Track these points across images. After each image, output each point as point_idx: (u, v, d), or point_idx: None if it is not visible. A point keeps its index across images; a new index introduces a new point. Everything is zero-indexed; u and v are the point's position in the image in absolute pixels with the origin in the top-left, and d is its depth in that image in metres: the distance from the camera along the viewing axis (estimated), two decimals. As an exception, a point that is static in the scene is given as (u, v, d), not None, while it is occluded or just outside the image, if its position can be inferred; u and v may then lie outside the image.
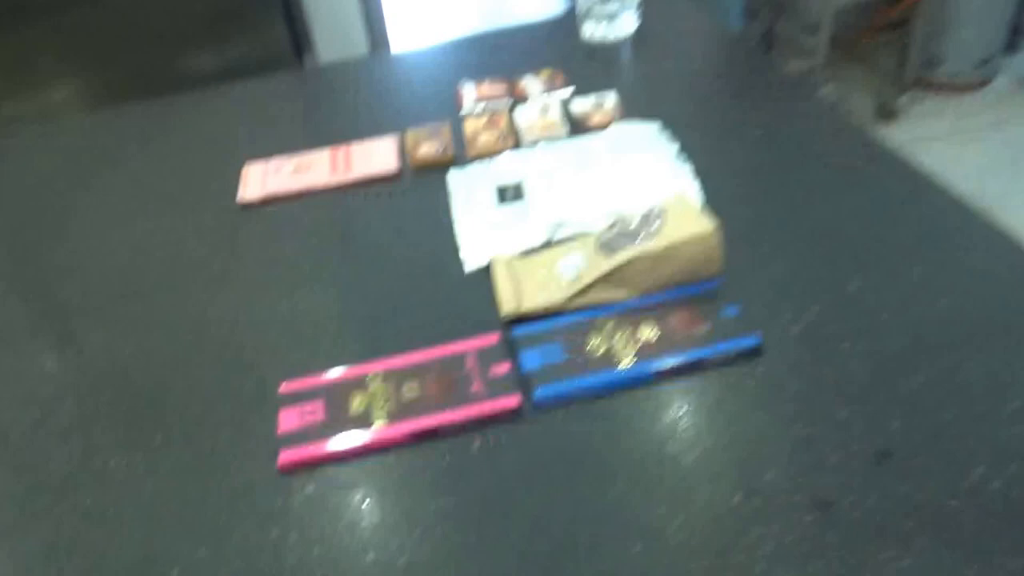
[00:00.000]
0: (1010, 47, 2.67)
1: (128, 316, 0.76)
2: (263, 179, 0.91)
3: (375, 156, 0.92)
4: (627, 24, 1.09)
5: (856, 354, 0.61)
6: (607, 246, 0.70)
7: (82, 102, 1.66)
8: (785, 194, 0.80)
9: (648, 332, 0.65)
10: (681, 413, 0.59)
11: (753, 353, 0.62)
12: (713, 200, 0.77)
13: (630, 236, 0.69)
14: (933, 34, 2.50)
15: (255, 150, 0.96)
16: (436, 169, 0.89)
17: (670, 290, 0.68)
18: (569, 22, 1.13)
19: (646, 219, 0.70)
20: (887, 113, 2.49)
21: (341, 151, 0.94)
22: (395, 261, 0.78)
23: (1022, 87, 2.59)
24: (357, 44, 2.63)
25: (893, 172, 0.80)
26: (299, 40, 1.73)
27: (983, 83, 2.59)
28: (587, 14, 1.09)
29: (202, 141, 1.04)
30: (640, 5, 1.09)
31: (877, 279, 0.67)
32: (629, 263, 0.67)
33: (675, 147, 0.84)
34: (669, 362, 0.62)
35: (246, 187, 0.90)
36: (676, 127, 0.88)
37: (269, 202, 0.89)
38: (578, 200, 0.78)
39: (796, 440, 0.56)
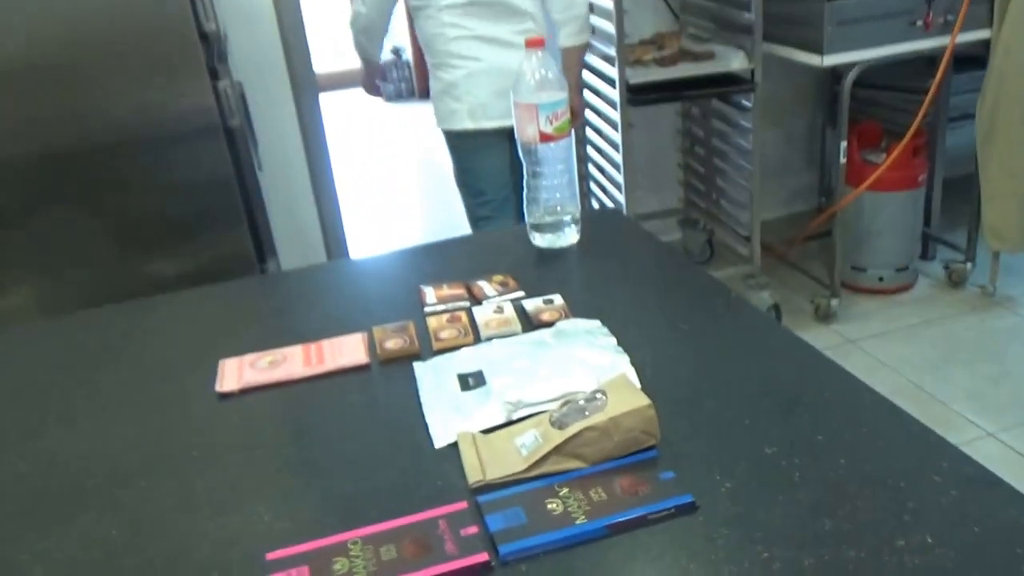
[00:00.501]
0: (925, 254, 3.00)
1: (116, 500, 0.81)
2: (239, 372, 1.00)
3: (345, 350, 1.03)
4: (571, 236, 1.25)
5: (776, 504, 0.71)
6: (559, 422, 0.80)
7: (39, 307, 1.75)
8: (710, 378, 0.92)
9: (597, 495, 0.74)
10: (632, 562, 0.67)
11: (690, 508, 0.72)
12: (649, 384, 0.88)
13: (578, 412, 0.80)
14: (854, 244, 2.80)
15: (229, 348, 1.05)
16: (402, 361, 0.99)
17: (615, 459, 0.78)
18: (519, 232, 1.29)
19: (591, 398, 0.81)
20: (823, 315, 2.73)
21: (313, 346, 1.04)
22: (369, 440, 0.86)
23: (941, 290, 2.88)
24: (316, 251, 2.82)
25: (798, 357, 0.93)
26: (262, 246, 1.87)
27: (906, 287, 2.87)
28: (535, 227, 1.25)
29: (179, 340, 1.13)
30: (580, 220, 1.26)
31: (786, 445, 0.78)
32: (578, 435, 0.77)
33: (614, 340, 0.96)
34: (618, 518, 0.71)
35: (223, 379, 0.99)
36: (615, 323, 1.01)
37: (247, 392, 0.97)
38: (532, 384, 0.89)
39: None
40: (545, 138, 1.18)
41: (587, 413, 0.79)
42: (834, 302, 2.72)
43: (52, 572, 0.73)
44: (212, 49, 1.64)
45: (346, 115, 6.02)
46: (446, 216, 4.26)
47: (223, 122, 1.67)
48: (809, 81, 3.24)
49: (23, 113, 1.59)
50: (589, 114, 2.69)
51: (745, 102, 2.54)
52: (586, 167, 2.98)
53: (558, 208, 1.25)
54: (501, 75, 2.07)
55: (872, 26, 2.40)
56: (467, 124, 2.20)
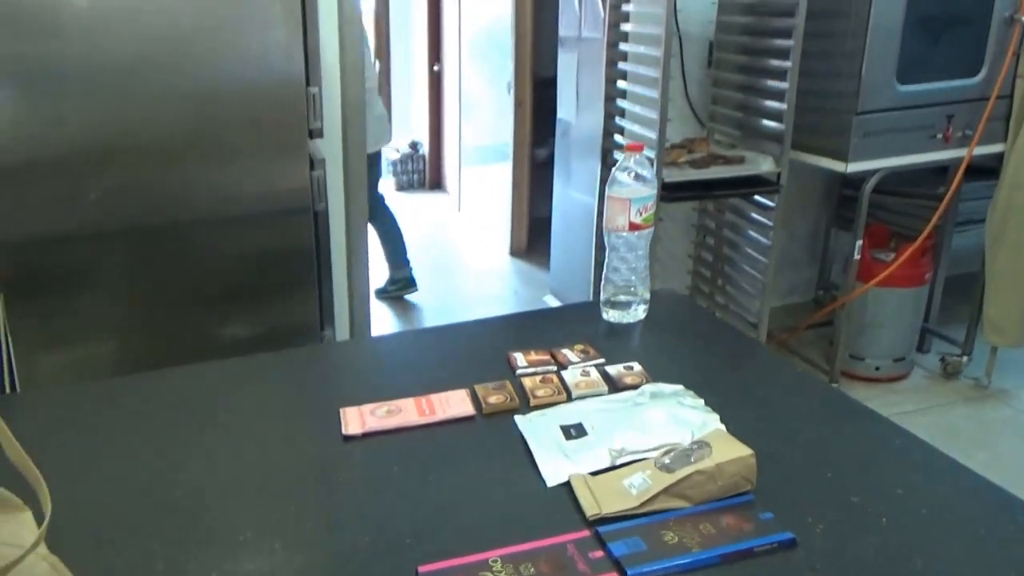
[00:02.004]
0: (921, 347, 3.14)
1: (275, 519, 0.91)
2: (361, 418, 1.11)
3: (453, 403, 1.14)
4: (640, 312, 1.38)
5: (869, 544, 0.81)
6: (666, 467, 0.91)
7: (118, 361, 1.85)
8: (788, 437, 1.03)
9: (707, 529, 0.84)
10: (746, 585, 0.77)
11: (791, 544, 0.82)
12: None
13: (684, 459, 0.91)
14: (854, 334, 2.94)
15: (345, 400, 1.16)
16: (504, 415, 1.11)
17: (717, 501, 0.88)
18: (591, 308, 1.41)
19: (697, 446, 0.92)
20: None
21: (424, 399, 1.15)
22: (486, 478, 0.97)
23: (935, 381, 3.02)
24: (341, 322, 2.94)
25: (863, 420, 1.05)
26: (323, 315, 2.00)
27: (901, 377, 3.00)
28: (609, 303, 1.38)
29: (298, 391, 1.24)
30: (647, 300, 1.39)
31: (869, 495, 0.89)
32: (687, 478, 0.88)
33: (701, 401, 1.08)
34: (729, 549, 0.81)
35: (348, 424, 1.10)
36: (692, 389, 1.12)
37: (369, 436, 1.08)
38: (632, 436, 1.00)
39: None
40: (634, 227, 1.33)
41: (692, 459, 0.90)
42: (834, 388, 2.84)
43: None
44: (312, 143, 1.81)
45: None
46: (449, 296, 4.42)
47: (313, 205, 1.83)
48: (816, 186, 3.45)
49: (149, 186, 1.74)
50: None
51: (767, 202, 2.71)
52: (603, 255, 3.14)
53: (631, 288, 1.38)
54: None
55: (894, 137, 2.60)
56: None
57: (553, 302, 3.91)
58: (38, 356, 1.79)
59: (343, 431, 1.08)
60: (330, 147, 2.76)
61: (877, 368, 2.99)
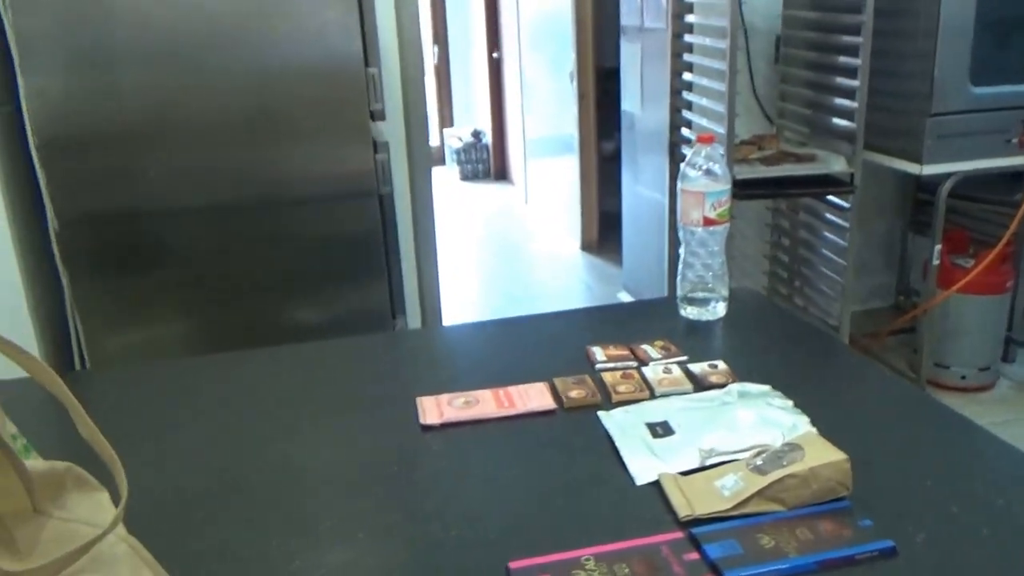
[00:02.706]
0: (1006, 357, 3.06)
1: (356, 508, 0.91)
2: (439, 409, 1.10)
3: (532, 396, 1.13)
4: (719, 310, 1.35)
5: (972, 554, 0.78)
6: (759, 469, 0.88)
7: (184, 345, 1.88)
8: (881, 443, 1.00)
9: (803, 534, 0.82)
10: (848, 594, 0.75)
11: (891, 553, 0.79)
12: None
13: (777, 461, 0.88)
14: (938, 342, 2.86)
15: (422, 389, 1.16)
16: (586, 410, 1.09)
17: (809, 506, 0.86)
18: (669, 304, 1.39)
19: (789, 448, 0.89)
20: None
21: (502, 391, 1.14)
22: (571, 474, 0.96)
23: (1021, 391, 2.93)
24: (412, 311, 2.95)
25: (958, 428, 1.01)
26: (394, 302, 2.00)
27: (986, 387, 2.92)
28: (687, 299, 1.36)
29: (375, 378, 1.24)
30: (727, 298, 1.36)
31: (969, 505, 0.86)
32: (780, 480, 0.86)
33: (790, 403, 1.05)
34: (828, 556, 0.79)
35: (426, 414, 1.09)
36: (779, 389, 1.10)
37: (447, 426, 1.07)
38: (722, 436, 0.98)
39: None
40: (708, 222, 1.30)
41: (785, 463, 0.88)
42: (921, 396, 2.78)
43: (304, 567, 0.82)
44: (375, 125, 1.81)
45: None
46: (519, 289, 4.41)
47: (378, 188, 1.83)
48: (891, 189, 3.36)
49: (209, 165, 1.76)
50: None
51: (842, 202, 2.65)
52: (676, 251, 3.11)
53: (709, 285, 1.35)
54: None
55: (969, 140, 2.52)
56: None
57: (627, 298, 3.87)
58: (106, 336, 1.82)
59: (421, 420, 1.08)
60: (393, 130, 2.76)
61: (963, 377, 2.91)
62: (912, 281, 3.42)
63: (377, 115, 1.85)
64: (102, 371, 1.73)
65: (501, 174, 6.96)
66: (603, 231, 4.90)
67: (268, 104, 1.76)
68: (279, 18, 1.74)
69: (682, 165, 1.33)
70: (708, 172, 1.30)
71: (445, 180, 6.99)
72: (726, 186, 1.30)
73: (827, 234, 2.77)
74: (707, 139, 1.31)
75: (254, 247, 1.86)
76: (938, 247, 2.63)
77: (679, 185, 1.32)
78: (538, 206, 5.85)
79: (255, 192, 1.81)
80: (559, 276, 4.61)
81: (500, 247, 5.30)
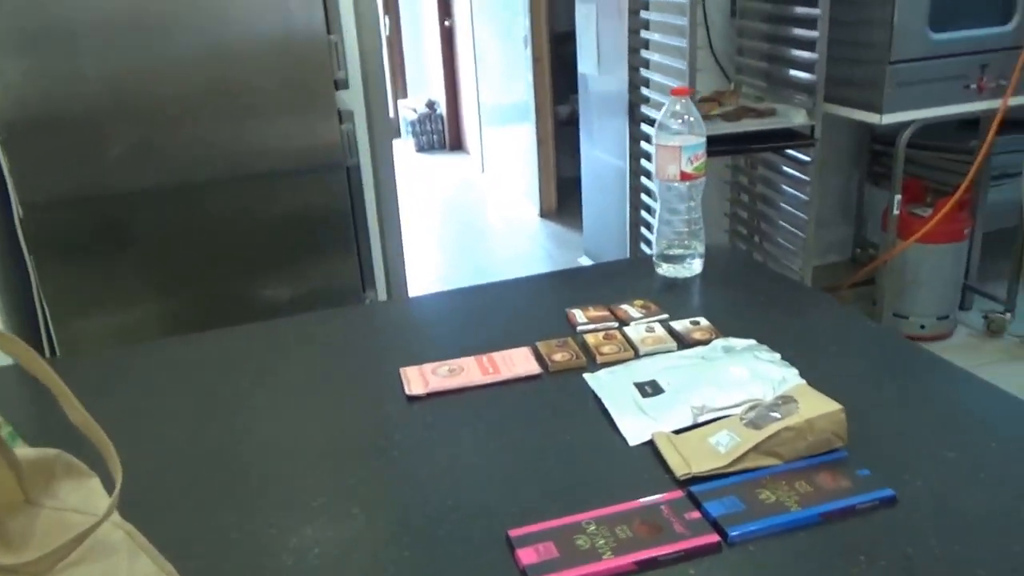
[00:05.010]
0: (963, 304, 3.12)
1: (356, 477, 0.89)
2: (423, 378, 1.08)
3: (516, 361, 1.11)
4: (696, 267, 1.34)
5: (971, 499, 0.79)
6: (753, 423, 0.88)
7: (160, 323, 1.83)
8: (871, 392, 1.00)
9: (803, 487, 0.81)
10: (854, 547, 0.75)
11: (892, 502, 0.79)
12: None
13: (770, 415, 0.88)
14: (897, 292, 2.90)
15: (404, 359, 1.13)
16: (571, 372, 1.08)
17: (809, 458, 0.86)
18: (640, 263, 1.38)
19: (782, 401, 0.89)
20: None
21: (485, 358, 1.12)
22: (563, 439, 0.94)
23: (980, 339, 3.00)
24: (378, 284, 2.91)
25: (949, 375, 1.02)
26: (364, 276, 1.96)
27: (945, 335, 2.98)
28: (664, 257, 1.34)
29: (356, 350, 1.21)
30: (703, 255, 1.35)
31: (964, 450, 0.86)
32: (776, 434, 0.85)
33: (778, 355, 1.05)
34: (830, 507, 0.78)
35: (410, 384, 1.07)
36: (765, 343, 1.09)
37: (433, 396, 1.05)
38: (712, 392, 0.97)
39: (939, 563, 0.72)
40: (685, 177, 1.28)
41: (779, 416, 0.87)
42: (881, 347, 2.83)
43: (301, 544, 0.80)
44: (339, 95, 1.76)
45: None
46: (481, 259, 4.39)
47: (345, 160, 1.78)
48: (847, 141, 3.38)
49: (174, 144, 1.69)
50: (648, 164, 2.81)
51: (803, 156, 2.66)
52: (638, 214, 3.10)
53: (686, 241, 1.34)
54: None
55: (928, 88, 2.53)
56: None
57: (588, 263, 3.86)
58: (75, 320, 1.76)
59: (406, 391, 1.05)
60: (354, 101, 2.70)
61: (922, 326, 2.96)
62: (869, 234, 3.46)
63: (341, 84, 1.79)
64: (74, 357, 1.68)
65: (457, 144, 6.88)
66: (562, 197, 4.88)
67: (232, 78, 1.70)
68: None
69: (658, 118, 1.31)
70: (684, 125, 1.28)
71: (401, 152, 6.90)
72: (702, 139, 1.29)
73: (787, 188, 2.78)
74: (683, 91, 1.29)
75: (223, 225, 1.80)
76: (898, 197, 2.65)
77: (654, 140, 1.30)
78: (495, 175, 5.80)
79: (222, 169, 1.75)
80: (519, 244, 4.59)
81: (459, 218, 5.25)
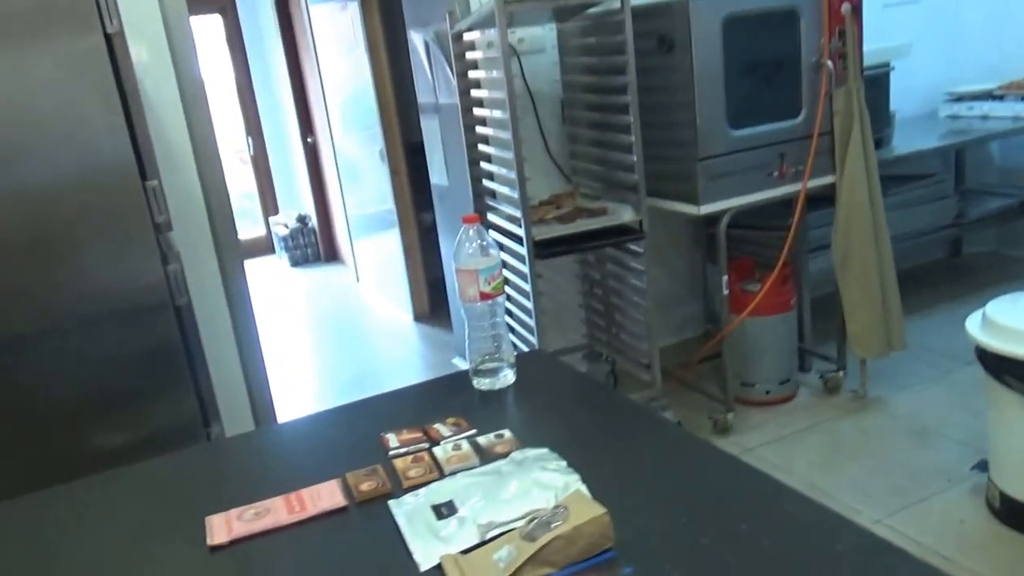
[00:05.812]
0: (803, 366, 3.33)
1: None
2: (228, 525, 1.09)
3: (323, 496, 1.14)
4: (509, 377, 1.42)
5: (719, 585, 0.86)
6: (529, 536, 0.93)
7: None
8: (646, 485, 1.08)
9: (571, 593, 0.87)
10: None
11: (649, 596, 0.86)
12: (598, 496, 1.03)
13: (545, 525, 0.94)
14: (742, 363, 3.08)
15: (211, 507, 1.14)
16: (378, 500, 1.11)
17: (581, 562, 0.92)
18: (461, 378, 1.44)
19: (555, 512, 0.95)
20: (721, 428, 2.99)
21: (293, 496, 1.14)
22: (360, 572, 0.97)
23: (820, 397, 3.20)
24: (244, 414, 2.88)
25: (716, 462, 1.11)
26: (206, 413, 1.95)
27: (789, 397, 3.16)
28: (477, 372, 1.41)
29: (159, 504, 1.21)
30: (515, 364, 1.43)
31: (718, 536, 0.94)
32: (548, 544, 0.91)
33: (564, 463, 1.12)
34: (591, 610, 0.84)
35: (213, 533, 1.08)
36: (559, 448, 1.16)
37: (236, 543, 1.06)
38: (499, 507, 1.02)
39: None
40: (485, 296, 1.37)
41: (552, 525, 0.93)
42: (730, 416, 3.00)
43: None
44: (163, 237, 1.79)
45: (252, 279, 6.17)
46: (358, 368, 4.39)
47: (172, 300, 1.79)
48: (685, 226, 3.62)
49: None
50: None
51: (636, 248, 2.82)
52: (498, 316, 3.20)
53: (496, 355, 1.42)
54: None
55: (737, 179, 2.76)
56: None
57: (462, 364, 3.91)
58: None
59: (208, 541, 1.06)
60: (201, 236, 2.72)
61: (767, 392, 3.14)
62: (717, 309, 3.67)
63: (164, 227, 1.82)
64: None
65: (331, 255, 6.92)
66: (433, 300, 4.96)
67: (49, 221, 1.70)
68: (42, 133, 1.69)
69: (454, 246, 1.40)
70: (478, 250, 1.37)
71: (275, 269, 6.88)
72: (496, 260, 1.38)
73: (630, 279, 2.94)
74: (472, 219, 1.38)
75: (55, 372, 1.77)
76: (725, 277, 2.85)
77: (453, 265, 1.39)
78: (369, 283, 5.85)
79: (44, 316, 1.74)
80: (395, 351, 4.62)
81: (335, 329, 5.25)
